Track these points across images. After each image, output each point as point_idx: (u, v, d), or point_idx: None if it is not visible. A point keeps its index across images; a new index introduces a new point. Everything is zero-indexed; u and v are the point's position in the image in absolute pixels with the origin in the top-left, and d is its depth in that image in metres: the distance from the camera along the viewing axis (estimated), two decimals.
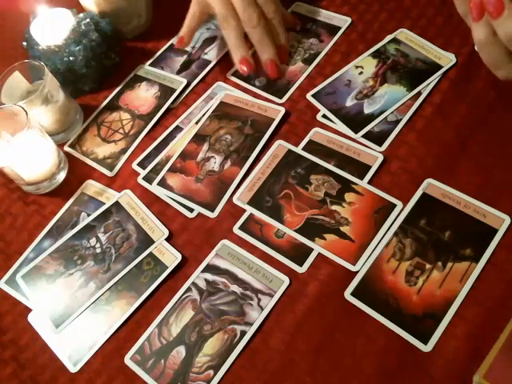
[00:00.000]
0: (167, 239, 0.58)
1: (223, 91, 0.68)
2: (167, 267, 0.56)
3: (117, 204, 0.62)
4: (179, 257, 0.56)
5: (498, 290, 0.50)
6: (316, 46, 0.70)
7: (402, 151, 0.59)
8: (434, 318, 0.49)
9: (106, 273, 0.57)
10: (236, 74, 0.70)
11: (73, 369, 0.53)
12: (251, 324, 0.52)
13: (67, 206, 0.64)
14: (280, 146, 0.62)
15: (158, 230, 0.59)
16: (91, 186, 0.65)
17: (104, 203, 0.62)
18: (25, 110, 0.59)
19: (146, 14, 0.77)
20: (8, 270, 0.60)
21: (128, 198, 0.62)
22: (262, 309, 0.52)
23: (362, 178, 0.58)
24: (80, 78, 0.71)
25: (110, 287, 0.56)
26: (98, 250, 0.59)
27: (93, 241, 0.60)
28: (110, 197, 0.63)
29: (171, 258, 0.57)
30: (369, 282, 0.52)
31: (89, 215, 0.62)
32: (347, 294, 0.51)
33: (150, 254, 0.57)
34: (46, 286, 0.58)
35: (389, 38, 0.68)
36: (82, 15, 0.71)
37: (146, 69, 0.74)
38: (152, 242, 0.58)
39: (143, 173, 0.64)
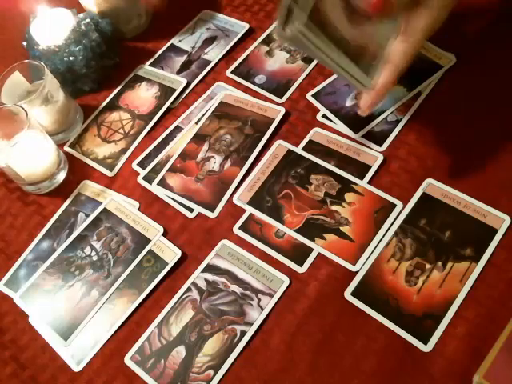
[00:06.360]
0: (164, 235, 0.58)
1: (223, 91, 0.68)
2: (167, 263, 0.56)
3: (105, 211, 0.62)
4: (179, 253, 0.56)
5: (497, 289, 0.50)
6: None
7: (402, 151, 0.59)
8: (433, 318, 0.49)
9: (107, 278, 0.57)
10: (235, 71, 0.70)
11: (76, 368, 0.53)
12: (251, 324, 0.52)
13: (64, 207, 0.64)
14: (280, 146, 0.62)
15: (152, 228, 0.59)
16: (88, 187, 0.65)
17: (101, 203, 0.63)
18: (25, 110, 0.59)
19: (146, 14, 0.77)
20: (8, 271, 0.60)
21: (115, 203, 0.62)
22: (262, 309, 0.52)
23: (362, 178, 0.58)
24: (80, 78, 0.71)
25: (114, 291, 0.56)
26: (95, 258, 0.59)
27: (87, 250, 0.59)
28: (107, 197, 0.63)
29: (171, 254, 0.57)
30: (369, 282, 0.52)
31: (86, 215, 0.62)
32: (347, 294, 0.51)
33: (150, 251, 0.58)
34: (46, 302, 0.57)
35: None
36: (81, 15, 0.71)
37: (146, 69, 0.74)
38: (148, 240, 0.58)
39: (143, 173, 0.64)
